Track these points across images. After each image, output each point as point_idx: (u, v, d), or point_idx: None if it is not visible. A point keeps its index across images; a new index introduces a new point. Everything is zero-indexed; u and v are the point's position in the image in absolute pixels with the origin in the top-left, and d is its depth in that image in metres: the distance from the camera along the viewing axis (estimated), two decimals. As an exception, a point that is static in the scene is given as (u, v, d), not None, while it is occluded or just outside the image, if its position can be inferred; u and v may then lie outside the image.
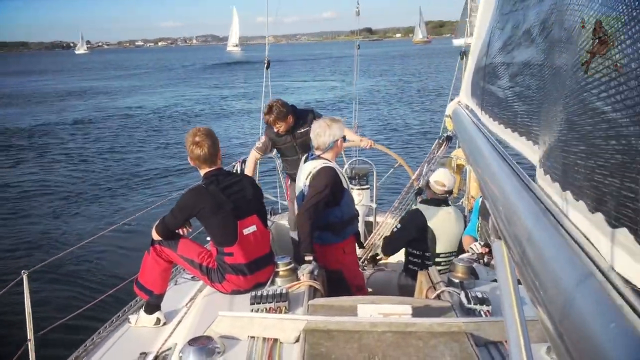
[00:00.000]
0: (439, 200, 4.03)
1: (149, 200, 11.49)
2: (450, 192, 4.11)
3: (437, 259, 3.92)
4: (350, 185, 4.71)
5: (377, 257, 5.01)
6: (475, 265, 3.41)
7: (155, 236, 3.23)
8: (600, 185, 0.67)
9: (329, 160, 3.59)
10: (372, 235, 5.62)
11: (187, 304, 3.32)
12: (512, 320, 0.90)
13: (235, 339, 2.42)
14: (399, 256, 5.00)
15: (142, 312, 3.30)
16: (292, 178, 5.24)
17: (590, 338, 0.54)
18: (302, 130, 4.87)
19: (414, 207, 4.44)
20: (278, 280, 3.21)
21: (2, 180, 14.15)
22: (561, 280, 0.65)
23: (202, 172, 3.27)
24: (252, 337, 2.40)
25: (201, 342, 2.33)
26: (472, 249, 3.83)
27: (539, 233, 0.81)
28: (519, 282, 0.91)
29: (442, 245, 3.92)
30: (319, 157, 3.61)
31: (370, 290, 4.12)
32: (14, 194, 12.81)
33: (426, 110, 25.35)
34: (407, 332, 2.28)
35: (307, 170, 3.60)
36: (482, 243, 3.86)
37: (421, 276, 3.33)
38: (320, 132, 3.61)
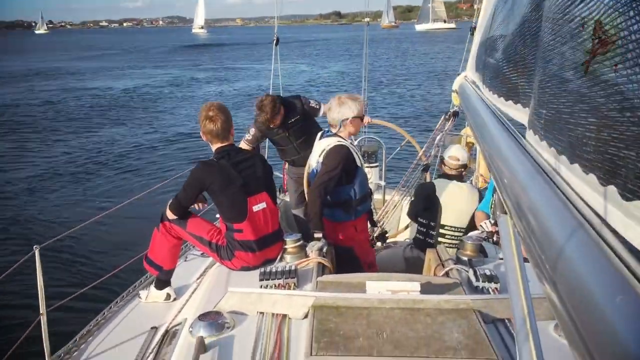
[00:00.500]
0: (453, 176, 4.05)
1: (156, 176, 11.59)
2: (464, 166, 4.14)
3: (441, 230, 3.93)
4: None
5: (386, 235, 5.02)
6: (484, 243, 3.41)
7: (171, 215, 3.23)
8: (614, 158, 0.65)
9: (343, 139, 3.54)
10: (380, 212, 5.63)
11: (196, 280, 3.36)
12: (517, 295, 0.90)
13: (244, 315, 2.44)
14: (408, 234, 5.01)
15: (152, 287, 3.33)
16: (289, 162, 5.18)
17: (597, 312, 0.53)
18: (293, 120, 4.71)
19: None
20: (287, 257, 3.22)
21: (13, 157, 14.30)
22: (567, 253, 0.64)
23: (214, 147, 3.26)
24: (261, 313, 2.42)
25: (211, 317, 2.36)
26: (482, 226, 3.83)
27: (544, 206, 0.80)
28: (526, 260, 0.90)
29: (449, 217, 3.93)
30: (335, 134, 3.58)
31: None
32: (25, 170, 12.92)
33: (431, 90, 25.26)
34: (416, 309, 2.29)
35: (321, 147, 3.57)
36: (492, 221, 3.85)
37: (429, 254, 3.33)
38: (332, 108, 3.56)
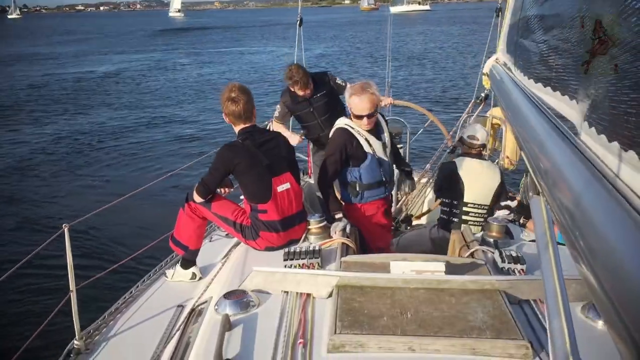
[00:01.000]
0: (473, 155, 4.01)
1: (186, 154, 11.78)
2: (484, 145, 4.09)
3: (465, 209, 3.90)
4: None
5: (411, 217, 5.01)
6: (510, 225, 3.37)
7: (197, 199, 3.24)
8: None
9: (349, 122, 3.52)
10: (404, 196, 5.60)
11: (222, 260, 3.39)
12: (550, 276, 0.89)
13: (269, 294, 2.47)
14: (433, 216, 4.97)
15: (178, 266, 3.38)
16: (313, 142, 5.21)
17: (637, 292, 0.52)
18: (319, 95, 4.72)
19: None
20: (311, 238, 3.24)
21: (43, 133, 14.65)
22: (605, 235, 0.63)
23: (237, 128, 3.27)
24: (286, 292, 2.44)
25: (236, 296, 2.38)
26: (508, 205, 3.81)
27: (585, 189, 0.78)
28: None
29: (472, 194, 3.89)
30: (349, 117, 3.56)
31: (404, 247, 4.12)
32: (53, 149, 13.21)
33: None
34: (440, 289, 2.28)
35: (333, 127, 3.63)
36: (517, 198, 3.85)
37: (454, 235, 3.31)
38: (345, 93, 3.56)
